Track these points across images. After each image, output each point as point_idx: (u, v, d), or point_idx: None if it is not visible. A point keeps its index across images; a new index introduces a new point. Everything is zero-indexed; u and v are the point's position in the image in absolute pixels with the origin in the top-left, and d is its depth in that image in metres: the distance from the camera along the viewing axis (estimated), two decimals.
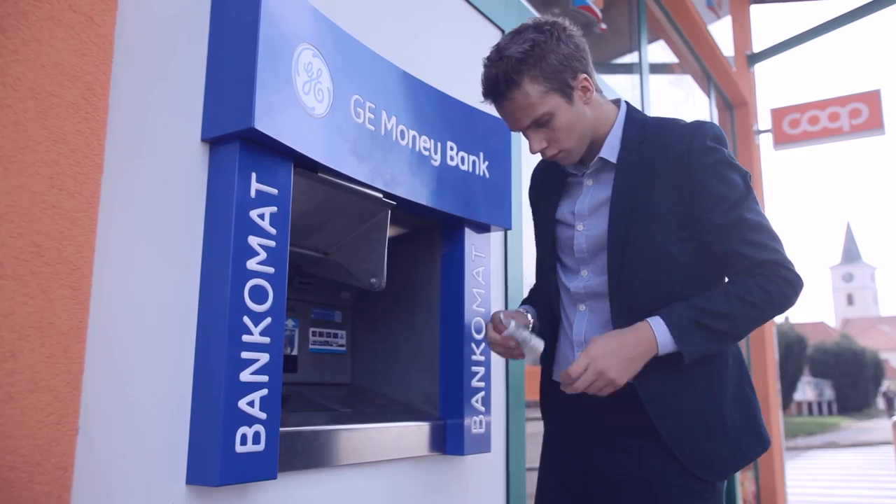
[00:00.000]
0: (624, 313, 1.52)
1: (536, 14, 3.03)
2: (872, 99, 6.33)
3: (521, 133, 1.59)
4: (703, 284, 1.53)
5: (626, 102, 1.66)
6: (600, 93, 1.61)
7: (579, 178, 1.66)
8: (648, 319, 1.46)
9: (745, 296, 1.45)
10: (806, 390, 41.15)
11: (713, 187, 1.47)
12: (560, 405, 1.68)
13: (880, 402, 42.41)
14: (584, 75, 1.52)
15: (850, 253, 77.29)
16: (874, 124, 6.27)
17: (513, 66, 1.47)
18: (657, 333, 1.44)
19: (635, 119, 1.60)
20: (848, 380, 39.91)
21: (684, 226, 1.49)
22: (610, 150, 1.58)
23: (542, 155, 1.57)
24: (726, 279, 1.58)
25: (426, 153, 1.84)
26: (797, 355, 32.63)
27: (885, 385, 44.47)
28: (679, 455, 1.46)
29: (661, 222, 1.49)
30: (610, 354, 1.42)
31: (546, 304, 1.71)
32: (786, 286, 1.46)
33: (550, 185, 1.73)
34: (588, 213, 1.60)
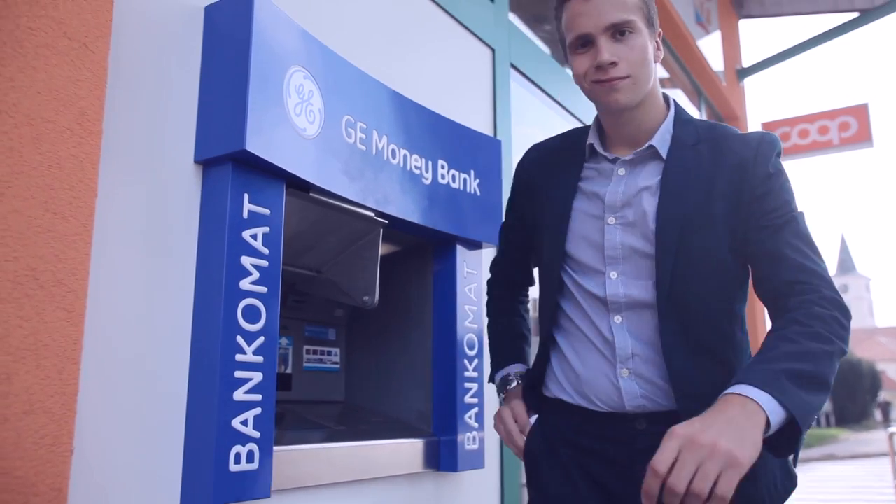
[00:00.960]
0: (675, 331, 1.31)
1: (527, 33, 3.07)
2: (860, 112, 6.41)
3: (582, 49, 1.35)
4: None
5: (674, 100, 1.50)
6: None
7: (605, 164, 1.43)
8: (730, 389, 1.09)
9: (803, 329, 1.16)
10: None
11: (774, 193, 1.32)
12: (575, 446, 1.39)
13: (878, 414, 42.38)
14: (661, 32, 1.42)
15: (845, 264, 77.58)
16: (863, 137, 6.34)
17: None
18: (752, 395, 1.05)
19: (684, 118, 1.44)
20: (845, 391, 39.90)
21: (737, 236, 1.32)
22: (661, 143, 1.39)
23: (606, 74, 1.32)
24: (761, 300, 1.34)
25: (417, 172, 1.86)
26: None
27: (882, 396, 44.48)
28: None
29: (717, 232, 1.32)
30: (707, 426, 1.01)
31: (547, 312, 1.46)
32: (835, 309, 1.20)
33: (560, 169, 1.49)
34: (621, 205, 1.37)
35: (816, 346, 1.14)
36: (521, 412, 1.49)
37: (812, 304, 1.19)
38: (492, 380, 1.66)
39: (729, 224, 1.32)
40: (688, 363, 1.28)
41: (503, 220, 1.68)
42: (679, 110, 1.45)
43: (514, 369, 1.59)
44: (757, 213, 1.31)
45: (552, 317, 1.45)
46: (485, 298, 1.80)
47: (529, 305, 1.78)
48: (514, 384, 1.56)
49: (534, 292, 1.62)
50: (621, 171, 1.40)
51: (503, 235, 1.69)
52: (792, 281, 1.24)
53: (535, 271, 1.63)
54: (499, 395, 1.62)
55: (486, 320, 1.79)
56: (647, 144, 1.38)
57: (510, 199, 1.64)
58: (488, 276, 1.77)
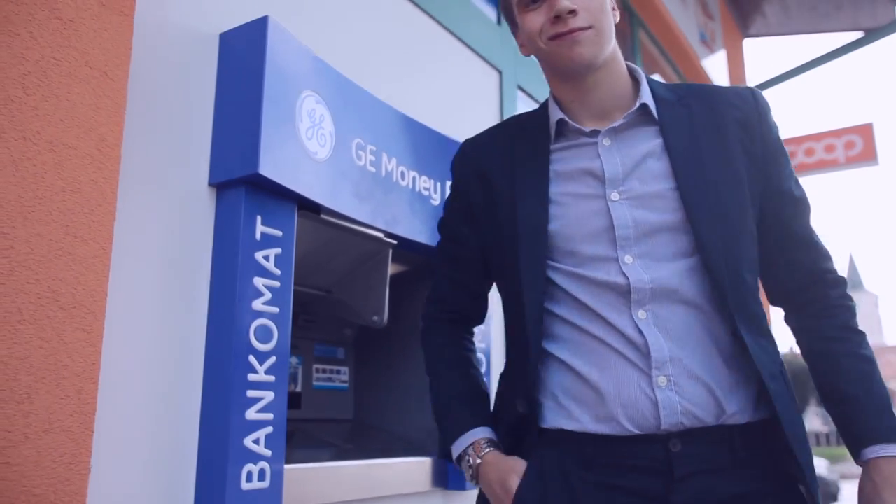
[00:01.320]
0: (749, 325, 1.10)
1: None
2: (866, 131, 6.45)
3: (533, 4, 1.17)
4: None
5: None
6: None
7: (582, 139, 1.19)
8: (884, 451, 1.08)
9: (863, 340, 1.17)
10: (814, 421, 40.77)
11: (785, 157, 1.20)
12: (592, 485, 1.08)
13: None
14: None
15: (854, 281, 77.45)
16: (868, 156, 6.37)
17: None
18: None
19: (656, 81, 1.25)
20: None
21: (755, 201, 1.16)
22: (648, 100, 1.19)
23: (566, 25, 1.13)
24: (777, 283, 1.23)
25: (426, 193, 1.89)
26: (803, 386, 32.16)
27: None
28: (808, 491, 1.08)
29: (745, 194, 1.14)
30: None
31: (532, 322, 1.15)
32: (850, 300, 1.21)
33: (521, 155, 1.23)
34: (624, 177, 1.14)
35: (874, 359, 1.16)
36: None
37: (851, 303, 1.19)
38: (446, 454, 1.25)
39: (750, 188, 1.16)
40: (758, 346, 1.10)
41: (440, 238, 1.36)
42: (646, 75, 1.26)
43: (482, 434, 1.20)
44: (775, 178, 1.18)
45: (539, 326, 1.15)
46: (495, 318, 1.55)
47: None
48: (487, 451, 1.16)
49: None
50: (606, 142, 1.17)
51: (445, 256, 1.34)
52: (825, 269, 1.20)
53: (494, 288, 1.32)
54: (464, 471, 1.19)
55: (494, 340, 1.69)
56: (637, 104, 1.18)
57: (450, 208, 1.33)
58: (423, 316, 1.39)
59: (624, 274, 1.10)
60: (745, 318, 1.09)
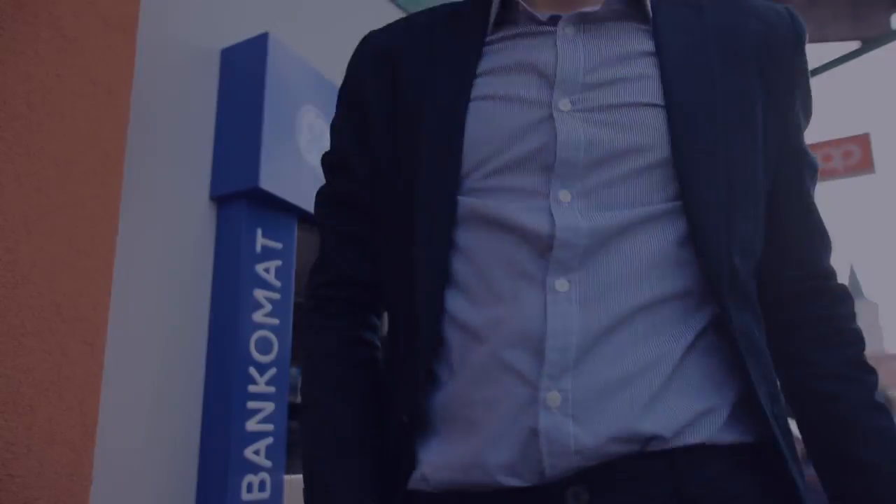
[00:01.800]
0: (742, 313, 0.71)
1: None
2: (863, 141, 6.50)
3: None
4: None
5: None
6: None
7: (533, 27, 0.76)
8: None
9: (872, 389, 0.81)
10: None
11: (809, 105, 0.85)
12: None
13: None
14: None
15: (854, 290, 77.46)
16: (865, 165, 6.42)
17: None
18: None
19: None
20: None
21: (770, 160, 0.79)
22: None
23: None
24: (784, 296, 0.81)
25: None
26: None
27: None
28: None
29: (755, 142, 0.76)
30: None
31: (426, 325, 0.65)
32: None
33: (440, 46, 0.79)
34: (585, 79, 0.73)
35: (889, 409, 0.82)
36: None
37: (859, 326, 0.85)
38: None
39: (765, 138, 0.79)
40: (751, 344, 0.71)
41: (325, 179, 0.81)
42: None
43: None
44: (795, 132, 0.82)
45: (436, 306, 0.67)
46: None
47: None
48: None
49: None
50: (569, 31, 0.76)
51: (331, 199, 0.79)
52: (829, 272, 0.85)
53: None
54: None
55: None
56: None
57: (338, 127, 0.82)
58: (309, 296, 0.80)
59: (551, 216, 0.68)
60: (737, 302, 0.71)
